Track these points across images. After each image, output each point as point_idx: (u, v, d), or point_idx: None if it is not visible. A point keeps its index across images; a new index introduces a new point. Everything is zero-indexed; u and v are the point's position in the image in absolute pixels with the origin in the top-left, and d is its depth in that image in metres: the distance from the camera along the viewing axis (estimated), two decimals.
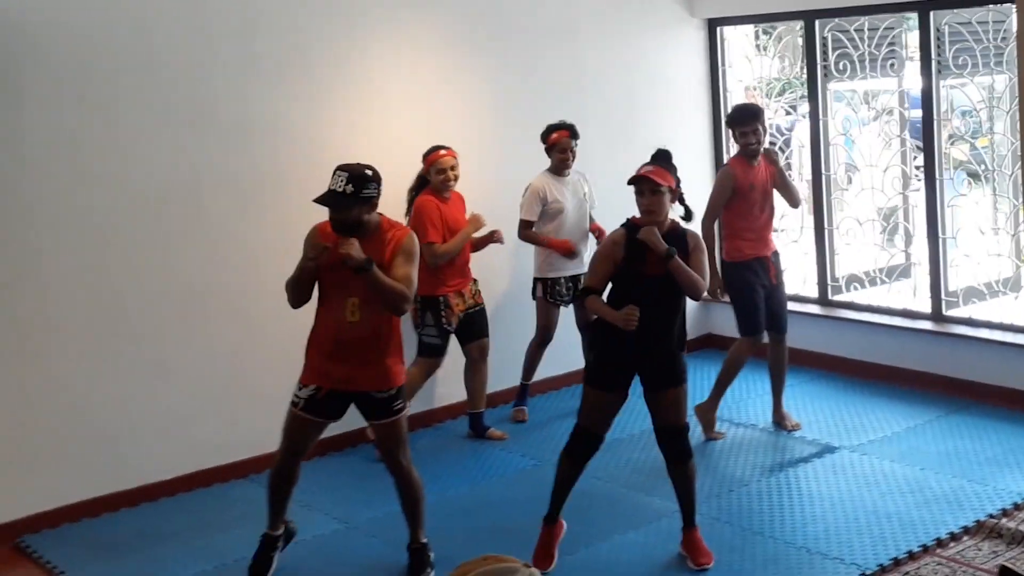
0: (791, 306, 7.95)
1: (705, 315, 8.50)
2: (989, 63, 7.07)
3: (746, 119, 6.57)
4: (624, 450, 6.55)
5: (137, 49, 6.17)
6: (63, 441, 6.08)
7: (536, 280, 7.08)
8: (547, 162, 6.98)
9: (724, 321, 8.30)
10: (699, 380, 7.62)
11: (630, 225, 5.11)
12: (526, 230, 6.94)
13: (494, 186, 7.22)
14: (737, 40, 8.45)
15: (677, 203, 5.17)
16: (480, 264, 6.95)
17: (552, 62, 7.67)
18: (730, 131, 7.00)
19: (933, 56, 7.11)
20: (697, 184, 8.23)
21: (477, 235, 6.74)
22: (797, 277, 8.18)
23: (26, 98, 5.88)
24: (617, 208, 7.62)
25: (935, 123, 7.20)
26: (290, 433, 5.14)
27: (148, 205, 6.25)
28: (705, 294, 5.39)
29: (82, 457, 6.13)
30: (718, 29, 8.34)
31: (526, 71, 7.57)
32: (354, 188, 4.87)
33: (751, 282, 6.60)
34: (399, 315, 5.03)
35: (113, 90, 6.11)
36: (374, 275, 4.81)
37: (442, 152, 6.63)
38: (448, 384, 7.25)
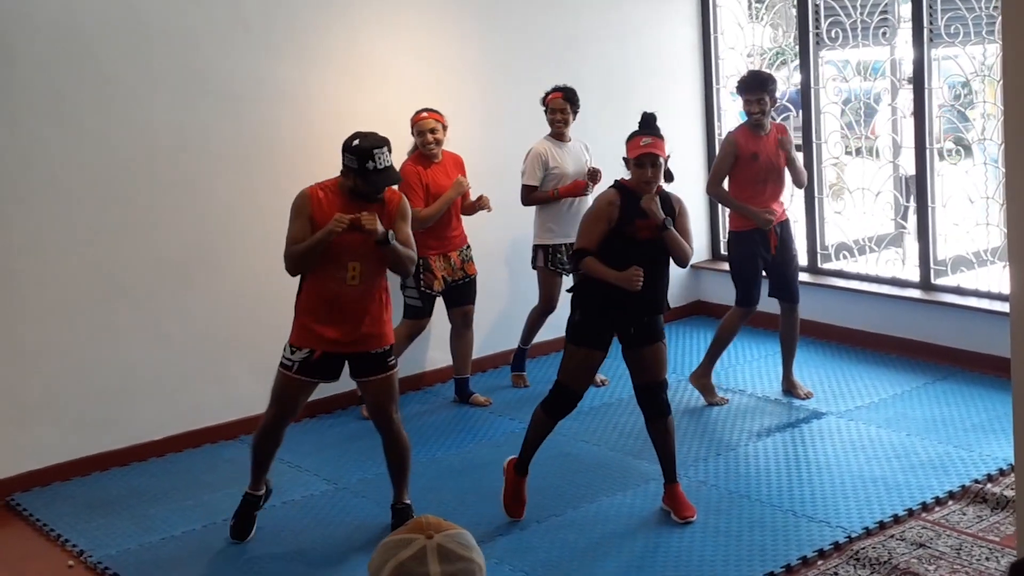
0: None
1: (695, 282, 8.52)
2: (981, 31, 7.07)
3: (751, 87, 6.50)
4: (612, 414, 6.59)
5: (127, 10, 6.14)
6: (54, 400, 6.09)
7: (536, 248, 6.96)
8: (543, 127, 6.94)
9: (713, 288, 8.35)
10: (689, 346, 7.67)
11: (621, 186, 5.14)
12: (530, 194, 6.86)
13: (487, 150, 7.21)
14: (729, 7, 8.43)
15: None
16: (474, 228, 6.94)
17: (545, 27, 7.64)
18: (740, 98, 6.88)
19: (925, 24, 7.11)
20: (689, 150, 8.25)
21: (470, 200, 6.73)
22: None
23: (17, 57, 5.86)
24: (611, 172, 7.65)
25: (926, 91, 7.20)
26: (282, 396, 5.16)
27: (140, 166, 6.25)
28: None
29: (73, 416, 6.14)
30: None
31: (520, 36, 7.54)
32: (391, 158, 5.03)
33: (751, 254, 6.57)
34: (407, 276, 5.38)
35: (104, 51, 6.09)
36: (394, 246, 4.99)
37: (424, 114, 6.58)
38: (439, 348, 7.26)
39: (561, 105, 6.82)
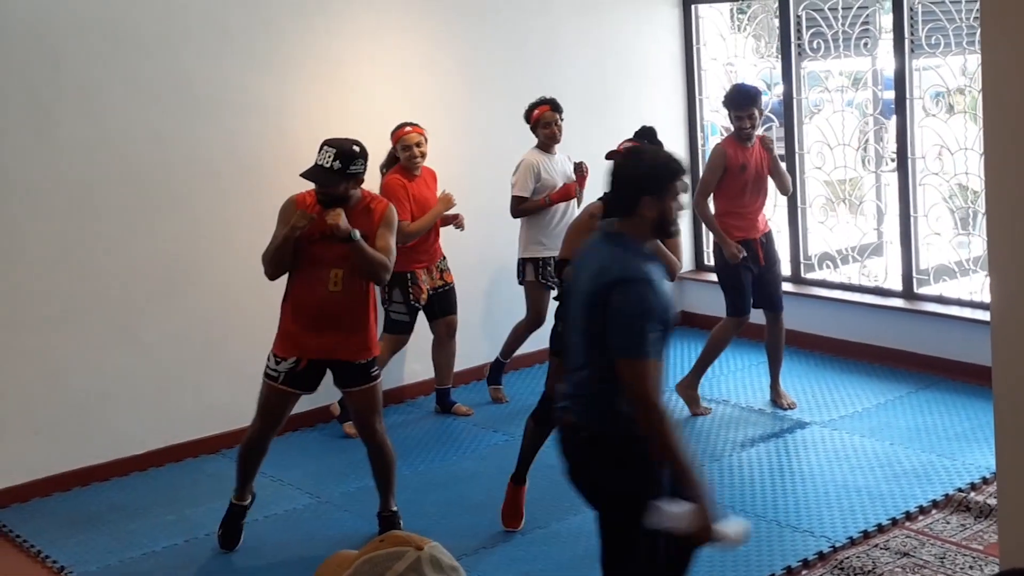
0: None
1: (679, 293, 8.49)
2: (962, 42, 7.09)
3: (741, 103, 6.50)
4: None
5: (110, 18, 6.12)
6: (35, 414, 6.05)
7: (524, 261, 6.87)
8: (526, 140, 6.90)
9: (698, 299, 8.34)
10: (675, 356, 7.66)
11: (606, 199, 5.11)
12: (519, 206, 6.80)
13: (468, 163, 7.20)
14: (712, 18, 8.45)
15: None
16: (453, 241, 6.92)
17: (527, 39, 7.64)
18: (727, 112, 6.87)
19: (906, 35, 7.13)
20: None
21: (448, 213, 6.70)
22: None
23: None
24: (593, 184, 7.65)
25: (907, 102, 7.22)
26: (269, 407, 5.14)
27: (121, 176, 6.21)
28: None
29: (54, 430, 6.09)
30: (693, 7, 8.34)
31: (501, 48, 7.54)
32: (342, 164, 4.92)
33: (739, 264, 6.56)
34: (380, 284, 5.24)
35: (82, 59, 6.06)
36: (359, 245, 4.89)
37: (407, 129, 6.55)
38: (421, 360, 7.24)
39: (552, 117, 6.79)
